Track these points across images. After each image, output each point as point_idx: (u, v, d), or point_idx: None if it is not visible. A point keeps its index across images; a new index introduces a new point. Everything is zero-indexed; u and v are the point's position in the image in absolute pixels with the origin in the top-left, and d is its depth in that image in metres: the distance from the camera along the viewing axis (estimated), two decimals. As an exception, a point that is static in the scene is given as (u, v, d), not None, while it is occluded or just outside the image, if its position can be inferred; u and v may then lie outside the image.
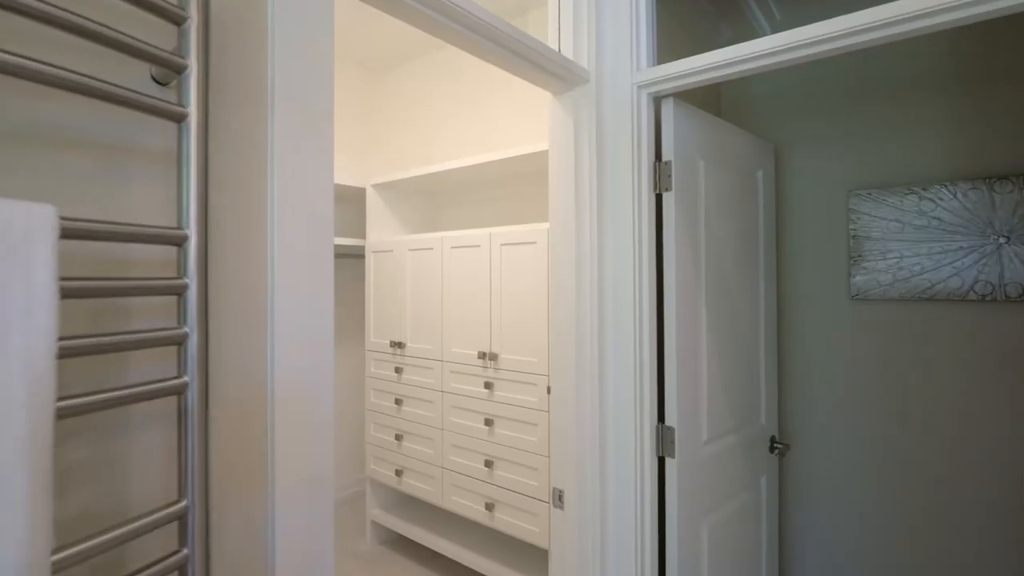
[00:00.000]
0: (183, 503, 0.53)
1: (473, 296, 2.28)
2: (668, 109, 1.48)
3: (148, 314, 0.60)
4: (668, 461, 1.46)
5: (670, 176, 1.47)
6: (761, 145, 1.97)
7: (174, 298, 0.58)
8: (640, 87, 1.44)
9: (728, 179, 1.73)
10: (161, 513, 0.51)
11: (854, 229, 2.02)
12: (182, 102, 0.55)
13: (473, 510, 2.27)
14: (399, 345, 2.58)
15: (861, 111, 2.02)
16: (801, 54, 1.22)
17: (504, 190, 2.80)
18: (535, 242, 2.06)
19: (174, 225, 0.57)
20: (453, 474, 2.35)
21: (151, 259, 0.60)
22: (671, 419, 1.46)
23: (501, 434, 2.18)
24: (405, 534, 2.63)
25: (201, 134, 0.55)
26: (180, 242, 0.54)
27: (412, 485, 2.54)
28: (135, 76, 0.60)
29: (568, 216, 1.46)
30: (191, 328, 0.54)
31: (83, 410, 0.48)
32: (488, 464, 2.20)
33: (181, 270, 0.55)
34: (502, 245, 2.18)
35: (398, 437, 2.59)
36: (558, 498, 1.45)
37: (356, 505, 3.24)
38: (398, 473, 2.59)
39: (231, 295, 0.63)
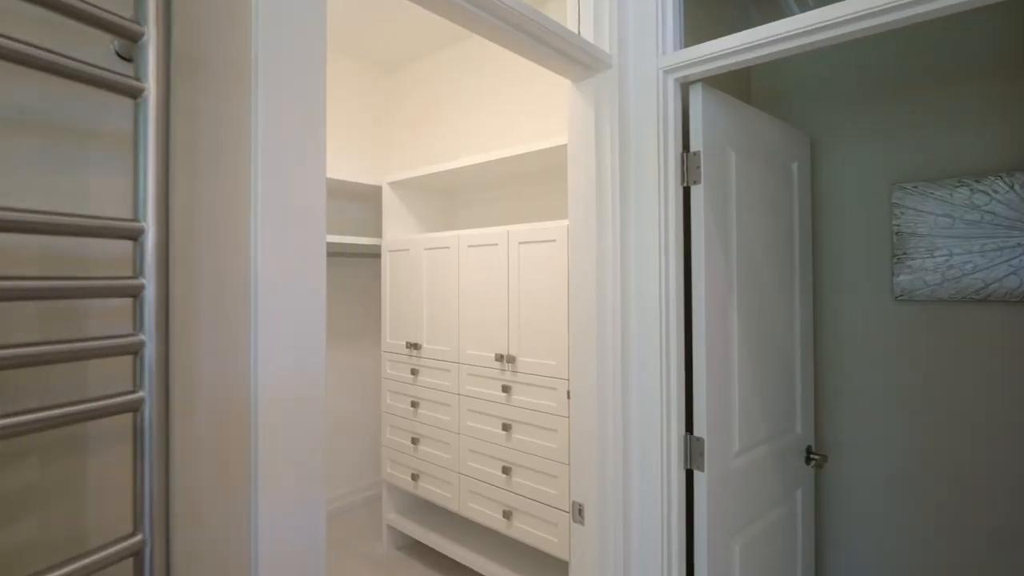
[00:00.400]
0: (138, 537, 0.46)
1: (490, 296, 2.20)
2: (696, 96, 1.37)
3: (114, 317, 0.54)
4: (696, 474, 1.36)
5: (699, 168, 1.37)
6: (796, 135, 1.85)
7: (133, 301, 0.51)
8: (666, 72, 1.34)
9: (761, 171, 1.62)
10: (111, 549, 0.45)
11: (898, 225, 1.87)
12: (139, 75, 0.48)
13: (490, 518, 2.19)
14: (415, 346, 2.52)
15: (905, 98, 1.87)
16: (843, 31, 1.11)
17: (523, 187, 2.71)
18: (554, 240, 1.97)
19: (129, 217, 0.50)
20: (470, 480, 2.27)
21: (114, 257, 0.53)
22: (700, 429, 1.36)
23: (519, 440, 2.09)
24: (421, 540, 2.57)
25: (161, 113, 0.48)
26: (135, 236, 0.47)
27: (428, 490, 2.47)
28: (97, 49, 0.53)
29: (588, 212, 1.37)
30: (148, 335, 0.47)
31: (19, 430, 0.41)
32: (506, 471, 2.12)
33: (137, 268, 0.48)
34: (520, 243, 2.09)
35: (414, 441, 2.53)
36: (578, 512, 1.35)
37: (372, 508, 3.20)
38: (414, 477, 2.53)
39: (201, 298, 0.56)
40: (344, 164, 3.16)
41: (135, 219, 0.47)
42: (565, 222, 1.91)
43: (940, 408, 1.80)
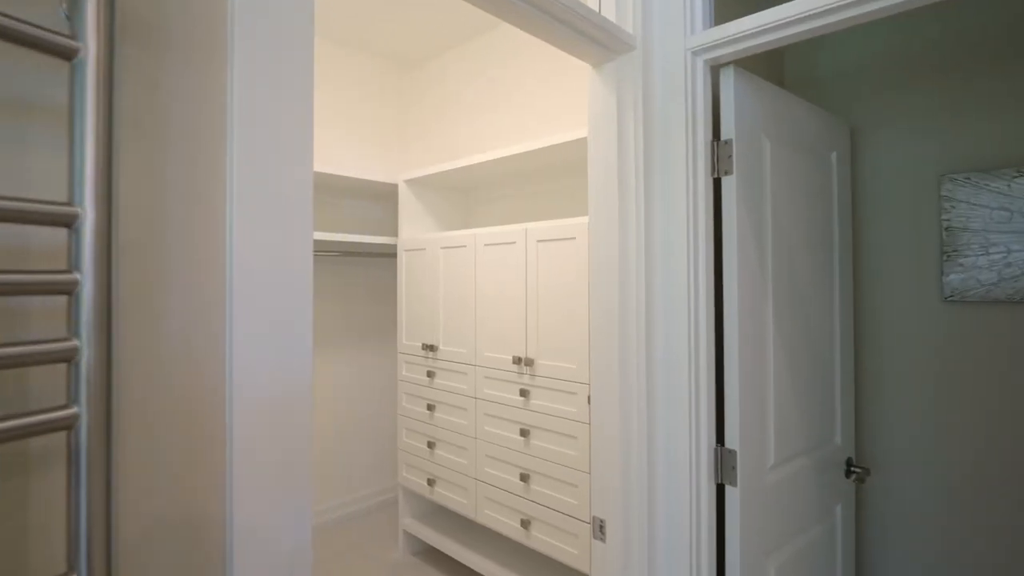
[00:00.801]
0: (71, 579, 0.39)
1: (508, 297, 2.12)
2: (728, 79, 1.27)
3: (63, 319, 0.47)
4: (728, 489, 1.25)
5: (730, 157, 1.26)
6: (834, 123, 1.72)
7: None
8: (695, 53, 1.24)
9: (798, 162, 1.50)
10: (37, 594, 0.38)
11: (947, 220, 1.73)
12: (75, 34, 0.41)
13: (508, 526, 2.11)
14: (431, 348, 2.45)
15: (956, 82, 1.73)
16: (893, 1, 0.99)
17: (543, 184, 2.62)
18: (574, 238, 1.88)
19: (63, 200, 0.43)
20: (487, 486, 2.19)
21: (60, 249, 0.46)
22: (732, 440, 1.25)
23: (538, 446, 2.00)
24: (438, 546, 2.50)
25: (103, 78, 0.41)
26: (69, 222, 0.40)
27: (444, 496, 2.40)
28: (46, 11, 0.47)
29: (610, 206, 1.27)
30: (84, 340, 0.40)
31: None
32: (524, 478, 2.03)
33: (72, 261, 0.41)
34: (538, 241, 2.00)
35: (430, 445, 2.46)
36: (599, 528, 1.26)
37: (389, 512, 3.14)
38: (430, 482, 2.46)
39: (156, 298, 0.49)
40: (361, 162, 3.11)
41: (69, 203, 0.41)
42: (585, 219, 1.81)
43: (995, 418, 1.65)
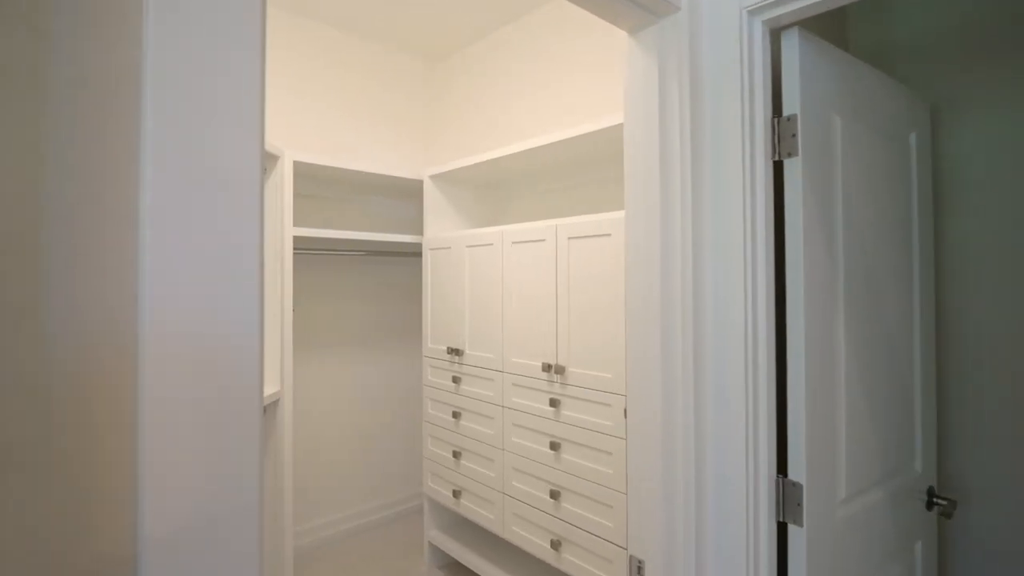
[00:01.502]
0: None
1: (537, 298, 1.96)
2: (791, 44, 1.07)
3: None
4: (792, 529, 1.06)
5: (794, 136, 1.07)
6: (913, 100, 1.49)
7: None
8: (751, 12, 1.05)
9: (872, 143, 1.29)
10: None
11: (1051, 210, 1.47)
12: None
13: (537, 546, 1.95)
14: (457, 352, 2.31)
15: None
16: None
17: (577, 178, 2.44)
18: (610, 234, 1.71)
19: None
20: (515, 502, 2.04)
21: None
22: (797, 471, 1.06)
23: (569, 461, 1.84)
24: (464, 562, 2.37)
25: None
26: None
27: (470, 509, 2.26)
28: None
29: (650, 195, 1.10)
30: None
31: None
32: (554, 495, 1.87)
33: None
34: (570, 239, 1.84)
35: (456, 455, 2.32)
36: (637, 571, 1.09)
37: (412, 522, 3.03)
38: (456, 494, 2.32)
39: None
40: (386, 158, 3.01)
41: None
42: (622, 213, 1.64)
43: (1115, 445, 1.38)
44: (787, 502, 1.06)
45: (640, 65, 1.09)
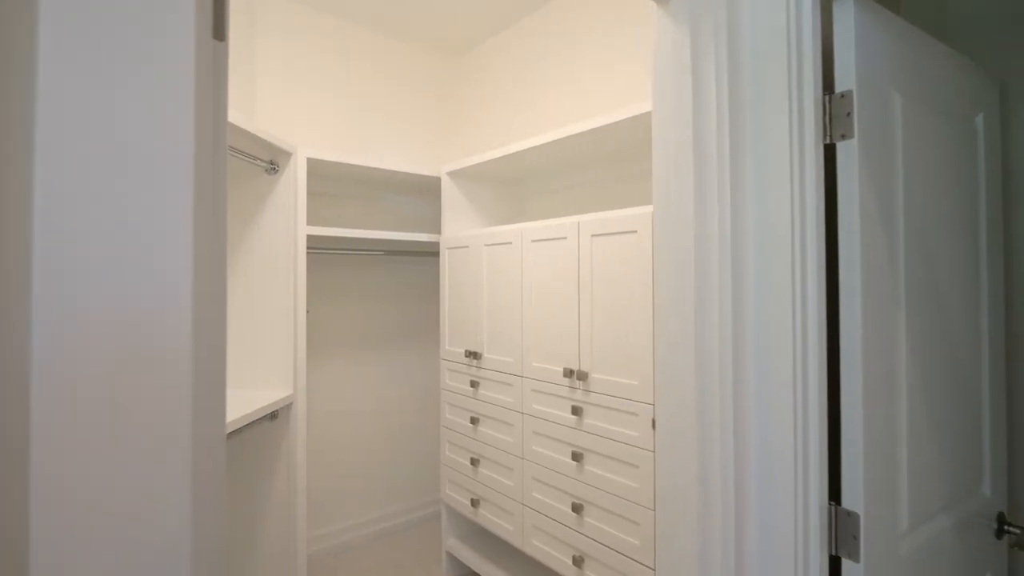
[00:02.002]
0: None
1: (558, 300, 1.85)
2: (846, 9, 0.94)
3: None
4: (847, 564, 0.93)
5: (849, 115, 0.93)
6: (980, 77, 1.33)
7: None
8: (802, -25, 0.92)
9: (936, 125, 1.14)
10: None
11: None
12: None
13: (559, 561, 1.84)
14: (475, 355, 2.22)
15: None
16: None
17: (600, 173, 2.32)
18: (636, 231, 1.58)
19: None
20: (535, 513, 1.93)
21: None
22: (852, 499, 0.92)
23: (592, 473, 1.72)
24: (482, 574, 2.27)
25: None
26: None
27: (489, 519, 2.16)
28: None
29: (683, 184, 0.97)
30: None
31: None
32: (576, 508, 1.76)
33: None
34: (593, 236, 1.72)
35: (474, 462, 2.23)
36: (666, 607, 0.97)
37: (429, 529, 2.94)
38: (474, 503, 2.23)
39: None
40: (403, 154, 2.93)
41: None
42: (650, 208, 1.51)
43: None
44: (841, 534, 0.93)
45: (670, 37, 0.97)
